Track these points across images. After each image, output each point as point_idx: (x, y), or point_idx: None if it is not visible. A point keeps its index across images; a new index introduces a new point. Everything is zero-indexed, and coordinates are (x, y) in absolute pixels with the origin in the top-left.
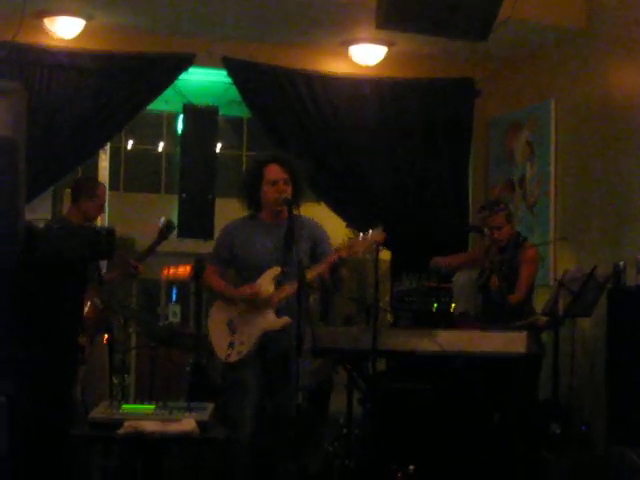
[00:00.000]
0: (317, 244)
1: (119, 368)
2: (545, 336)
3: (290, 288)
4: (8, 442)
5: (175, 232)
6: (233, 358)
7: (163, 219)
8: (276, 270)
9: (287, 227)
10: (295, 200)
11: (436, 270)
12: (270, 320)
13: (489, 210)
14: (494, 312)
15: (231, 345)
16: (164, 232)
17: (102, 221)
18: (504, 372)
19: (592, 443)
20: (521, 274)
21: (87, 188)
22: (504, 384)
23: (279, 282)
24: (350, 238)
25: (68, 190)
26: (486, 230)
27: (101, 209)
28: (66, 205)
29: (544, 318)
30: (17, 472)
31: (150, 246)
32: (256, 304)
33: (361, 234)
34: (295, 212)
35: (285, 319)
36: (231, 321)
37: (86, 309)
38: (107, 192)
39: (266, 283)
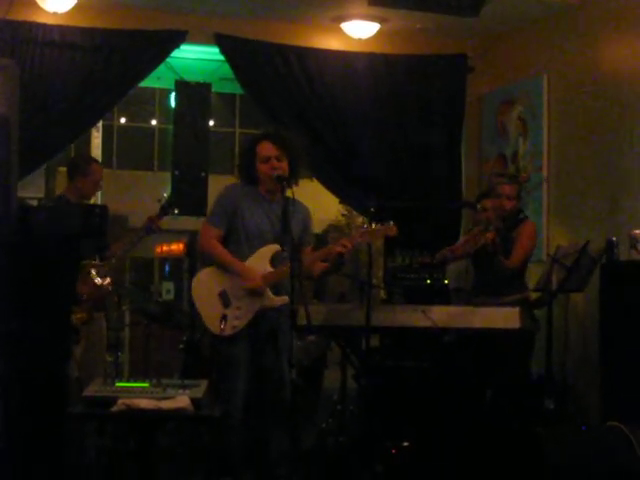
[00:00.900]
0: (305, 229)
1: (113, 346)
2: (538, 311)
3: (286, 269)
4: (1, 420)
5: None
6: (228, 332)
7: (166, 195)
8: (274, 248)
9: (282, 207)
10: (291, 176)
11: (443, 262)
12: (268, 297)
13: (507, 178)
14: (486, 283)
15: (224, 318)
16: (165, 208)
17: (95, 198)
18: (497, 348)
19: (586, 418)
20: (517, 245)
21: (81, 166)
22: (497, 360)
23: (276, 260)
24: (361, 227)
25: (61, 168)
26: (493, 198)
27: (97, 186)
28: (60, 183)
29: (534, 294)
30: (11, 450)
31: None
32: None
33: (373, 224)
34: (292, 187)
35: (284, 298)
36: (224, 292)
37: (85, 286)
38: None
39: (263, 261)
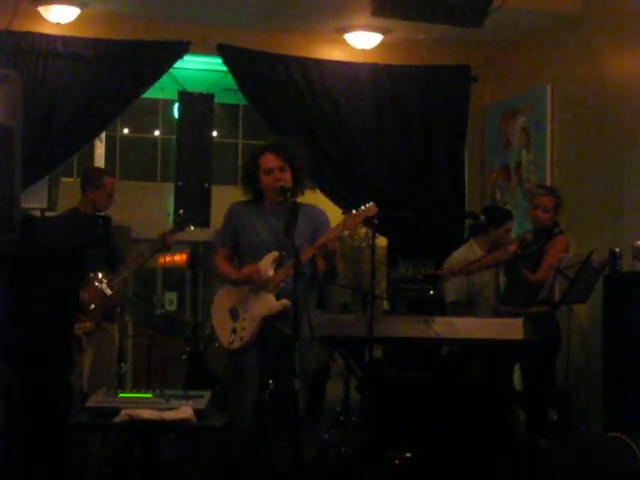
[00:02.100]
0: (318, 231)
1: (116, 356)
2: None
3: (288, 270)
4: (3, 429)
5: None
6: (236, 344)
7: (181, 212)
8: (274, 254)
9: (286, 214)
10: (295, 186)
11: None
12: (270, 303)
13: (545, 190)
14: (514, 293)
15: (234, 331)
16: (179, 225)
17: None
18: (500, 359)
19: (588, 429)
20: (546, 259)
21: (93, 178)
22: (500, 371)
23: (278, 266)
24: (343, 214)
25: (64, 179)
26: (531, 209)
27: (110, 199)
28: (63, 194)
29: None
30: (12, 459)
31: (170, 231)
32: (257, 287)
33: (353, 210)
34: (297, 198)
35: (284, 301)
36: (233, 307)
37: (93, 296)
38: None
39: (265, 267)
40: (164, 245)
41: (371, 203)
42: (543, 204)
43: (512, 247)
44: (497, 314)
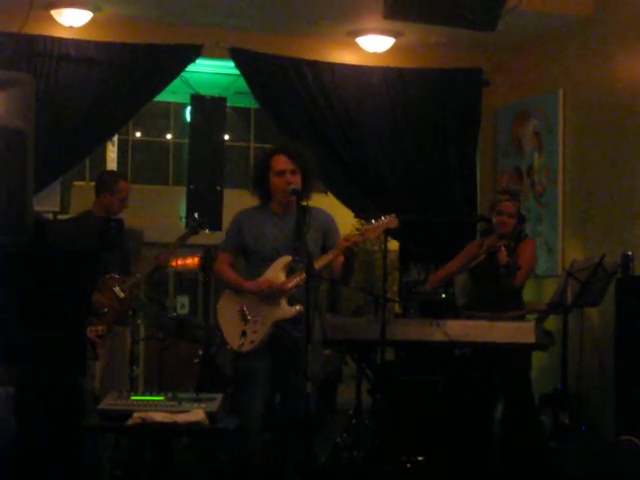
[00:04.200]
0: (327, 236)
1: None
2: (553, 326)
3: (301, 276)
4: (16, 432)
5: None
6: (246, 347)
7: (197, 215)
8: (286, 259)
9: (296, 217)
10: (304, 190)
11: (443, 284)
12: (283, 309)
13: (510, 195)
14: (485, 298)
15: (244, 334)
16: (195, 228)
17: None
18: (510, 362)
19: (601, 432)
20: (520, 264)
21: (108, 182)
22: (508, 374)
23: (289, 271)
24: (362, 224)
25: (76, 182)
26: (494, 215)
27: (123, 203)
28: (75, 197)
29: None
30: (25, 461)
31: (181, 237)
32: (267, 294)
33: (373, 221)
34: (305, 202)
35: (297, 308)
36: (243, 310)
37: (107, 299)
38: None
39: (276, 272)
40: (159, 265)
41: (393, 215)
42: (508, 210)
43: (503, 257)
44: (470, 319)
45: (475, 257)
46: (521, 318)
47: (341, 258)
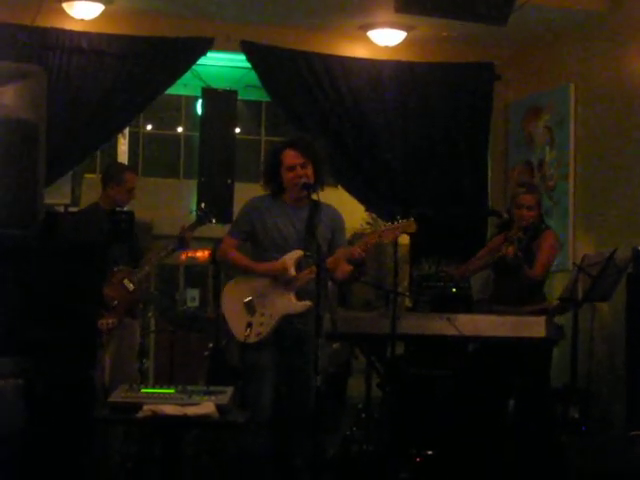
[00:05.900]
0: (335, 234)
1: (138, 352)
2: (564, 320)
3: (312, 272)
4: (26, 424)
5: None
6: (252, 339)
7: (203, 205)
8: (298, 253)
9: (309, 211)
10: (316, 183)
11: (464, 278)
12: (292, 303)
13: (528, 188)
14: (507, 292)
15: (249, 326)
16: (202, 218)
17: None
18: (521, 356)
19: (611, 427)
20: (539, 256)
21: (115, 174)
22: (521, 369)
23: (301, 265)
24: (373, 218)
25: (88, 175)
26: (514, 208)
27: (130, 195)
28: (86, 190)
29: (555, 302)
30: (35, 453)
31: (191, 225)
32: (278, 283)
33: (389, 223)
34: (316, 196)
35: (307, 303)
36: (250, 301)
37: (116, 292)
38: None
39: (288, 264)
40: (183, 241)
41: (411, 219)
42: (527, 203)
43: (511, 250)
44: (490, 312)
45: (498, 251)
46: (542, 312)
47: (346, 266)
